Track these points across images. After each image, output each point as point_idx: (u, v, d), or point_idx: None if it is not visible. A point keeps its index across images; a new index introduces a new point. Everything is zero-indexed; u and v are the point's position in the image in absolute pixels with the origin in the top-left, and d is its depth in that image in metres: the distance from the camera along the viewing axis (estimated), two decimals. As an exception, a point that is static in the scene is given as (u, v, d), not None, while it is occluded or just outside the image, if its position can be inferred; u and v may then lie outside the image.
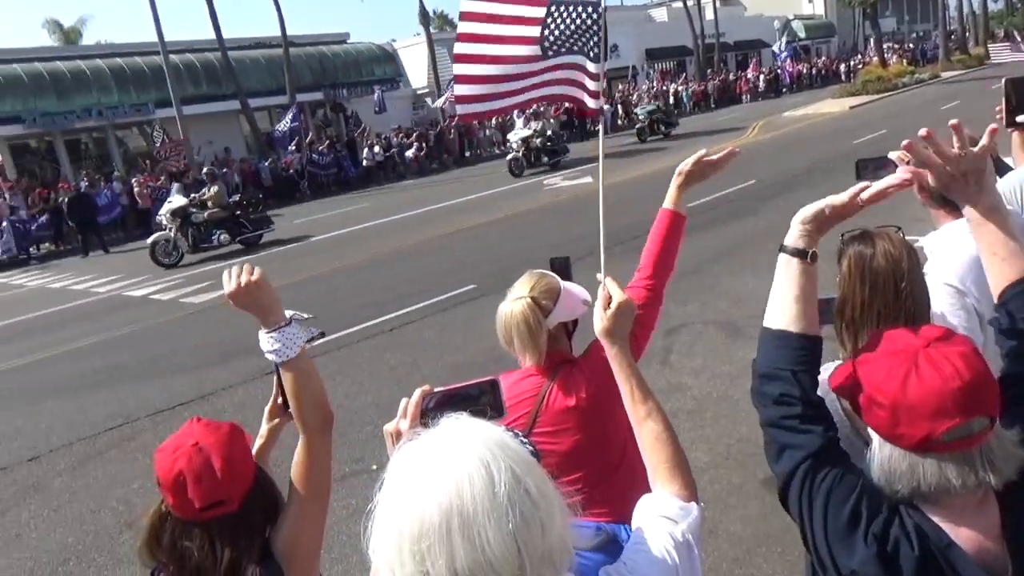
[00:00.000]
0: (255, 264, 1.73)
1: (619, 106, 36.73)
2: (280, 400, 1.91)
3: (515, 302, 2.15)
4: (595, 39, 2.37)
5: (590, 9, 2.37)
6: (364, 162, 27.89)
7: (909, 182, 1.41)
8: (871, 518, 1.22)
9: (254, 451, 1.78)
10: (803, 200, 1.50)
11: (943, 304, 2.15)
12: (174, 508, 1.57)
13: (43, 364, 9.31)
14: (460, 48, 2.56)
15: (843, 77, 44.15)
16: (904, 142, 1.37)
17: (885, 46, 42.10)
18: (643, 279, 2.27)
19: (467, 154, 30.46)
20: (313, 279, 11.61)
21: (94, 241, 20.07)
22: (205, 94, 29.72)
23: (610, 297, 1.63)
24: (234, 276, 1.67)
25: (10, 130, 25.94)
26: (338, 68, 34.95)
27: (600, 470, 2.16)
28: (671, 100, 38.96)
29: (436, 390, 1.38)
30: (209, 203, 16.15)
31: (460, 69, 2.54)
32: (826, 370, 1.72)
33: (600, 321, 1.62)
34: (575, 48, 2.39)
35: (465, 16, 2.55)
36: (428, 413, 1.34)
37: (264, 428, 1.99)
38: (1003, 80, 1.94)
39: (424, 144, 28.79)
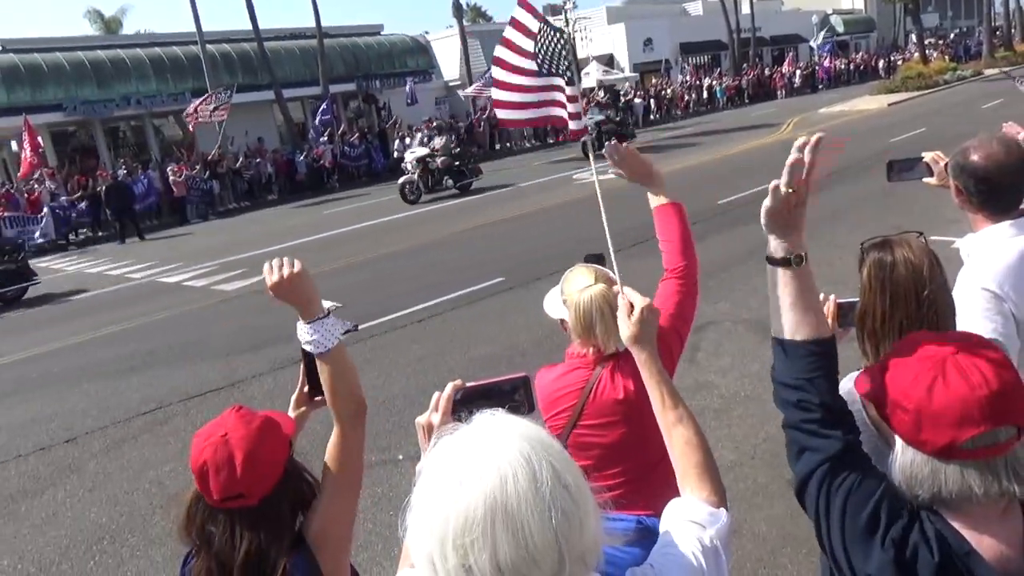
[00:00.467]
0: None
1: (652, 100, 36.50)
2: (306, 389, 1.93)
3: (590, 289, 2.16)
4: (566, 63, 2.42)
5: (559, 35, 2.44)
6: (395, 154, 28.07)
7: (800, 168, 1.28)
8: (890, 523, 1.21)
9: None
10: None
11: (979, 309, 2.11)
12: (202, 493, 1.60)
13: (81, 348, 9.54)
14: (495, 71, 2.63)
15: (882, 73, 43.33)
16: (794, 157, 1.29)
17: (927, 42, 41.21)
18: (674, 273, 2.27)
19: (497, 147, 30.49)
20: (345, 269, 11.73)
21: (130, 228, 20.50)
22: (240, 84, 30.04)
23: (631, 305, 1.64)
24: (276, 268, 1.68)
25: (51, 117, 26.50)
26: (371, 59, 35.14)
27: (641, 466, 2.17)
28: (704, 95, 38.65)
29: (467, 384, 1.39)
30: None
31: (495, 73, 2.60)
32: (849, 379, 1.70)
33: (626, 329, 1.63)
34: (556, 71, 2.45)
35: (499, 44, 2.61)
36: (459, 407, 1.36)
37: (291, 416, 2.02)
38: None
39: (454, 137, 28.89)
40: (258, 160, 25.83)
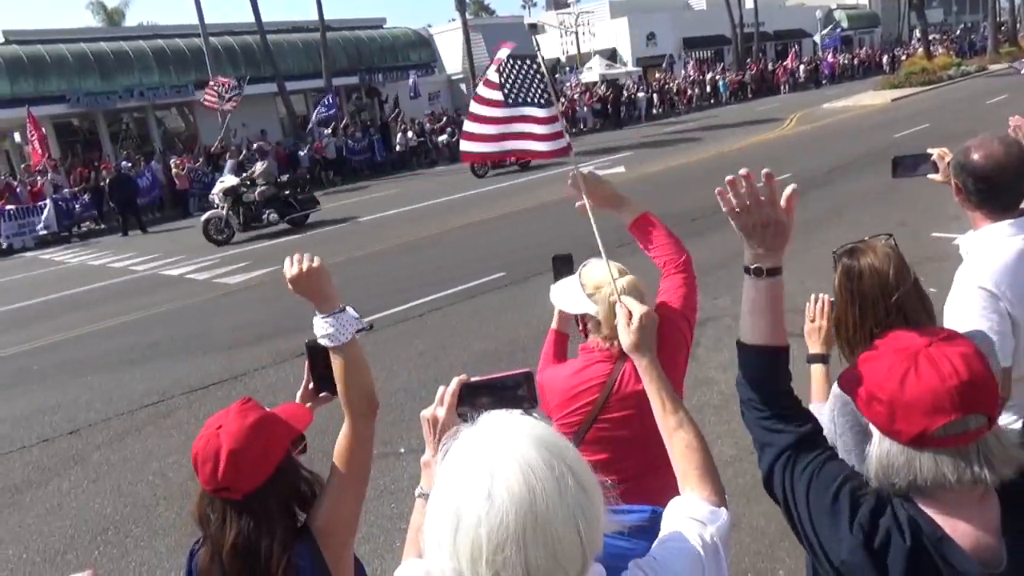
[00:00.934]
0: (302, 250, 1.79)
1: (655, 95, 36.45)
2: (311, 385, 1.96)
3: (619, 280, 2.14)
4: (542, 86, 2.42)
5: (528, 61, 2.44)
6: (397, 147, 28.06)
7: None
8: (855, 505, 1.26)
9: None
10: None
11: (975, 307, 2.14)
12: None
13: (83, 340, 9.58)
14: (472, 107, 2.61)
15: (886, 69, 43.19)
16: (728, 177, 1.37)
17: (931, 37, 41.05)
18: (676, 267, 2.32)
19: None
20: (348, 262, 11.75)
21: (133, 221, 20.52)
22: (243, 76, 30.12)
23: (630, 313, 1.67)
24: (296, 262, 1.74)
25: (54, 109, 26.53)
26: (374, 52, 35.12)
27: (657, 458, 2.19)
28: (708, 89, 38.55)
29: (472, 380, 1.42)
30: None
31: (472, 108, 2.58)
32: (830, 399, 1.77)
33: (625, 337, 1.66)
34: (527, 100, 2.43)
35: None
36: (464, 401, 1.38)
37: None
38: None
39: (456, 130, 28.86)
40: (263, 161, 25.74)
